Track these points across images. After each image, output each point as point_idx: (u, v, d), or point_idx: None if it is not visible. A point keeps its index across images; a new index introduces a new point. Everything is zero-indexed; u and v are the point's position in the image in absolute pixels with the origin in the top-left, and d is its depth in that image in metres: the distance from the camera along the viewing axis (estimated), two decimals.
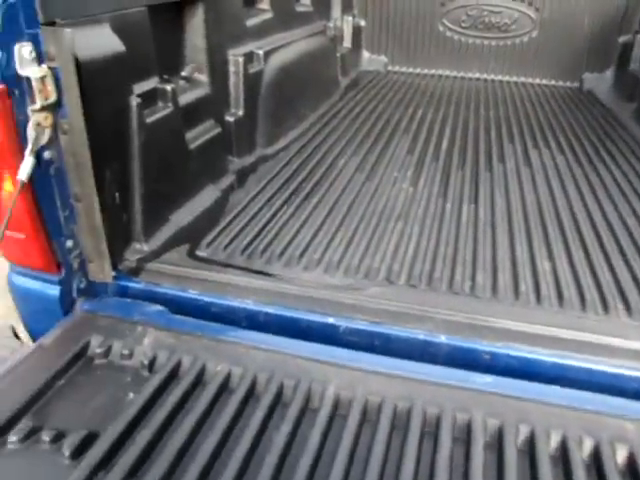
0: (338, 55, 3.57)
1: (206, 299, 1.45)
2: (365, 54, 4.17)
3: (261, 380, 1.17)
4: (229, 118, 2.10)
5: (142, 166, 1.54)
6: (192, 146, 1.81)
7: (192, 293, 1.46)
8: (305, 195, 2.02)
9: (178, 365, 1.22)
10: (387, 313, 1.36)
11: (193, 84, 1.94)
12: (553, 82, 4.01)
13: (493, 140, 2.64)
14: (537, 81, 4.03)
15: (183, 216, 1.73)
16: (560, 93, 3.78)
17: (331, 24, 3.44)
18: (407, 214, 1.88)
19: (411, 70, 4.15)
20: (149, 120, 1.56)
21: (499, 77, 4.08)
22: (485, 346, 1.27)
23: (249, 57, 2.23)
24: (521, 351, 1.25)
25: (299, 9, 2.93)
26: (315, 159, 2.35)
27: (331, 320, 1.36)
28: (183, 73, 1.94)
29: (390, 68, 4.17)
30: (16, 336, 1.69)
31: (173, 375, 1.20)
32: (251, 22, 2.33)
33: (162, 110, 1.64)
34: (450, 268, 1.58)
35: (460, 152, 2.47)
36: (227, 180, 2.02)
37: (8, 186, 1.33)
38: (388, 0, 4.01)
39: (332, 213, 1.89)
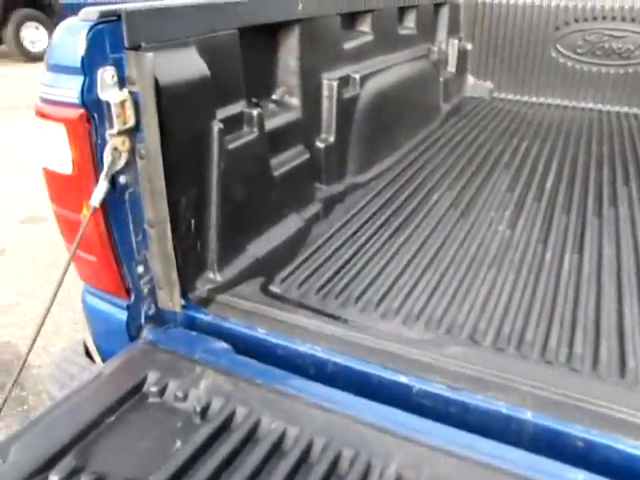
0: (441, 80, 3.43)
1: (273, 340, 1.37)
2: (470, 79, 3.99)
3: (317, 445, 1.06)
4: (319, 144, 2.03)
5: (221, 193, 1.49)
6: (277, 173, 1.75)
7: (260, 332, 1.38)
8: (392, 231, 1.90)
9: (232, 416, 1.13)
10: (467, 378, 1.21)
11: (283, 108, 1.88)
12: None
13: (605, 180, 2.40)
14: None
15: (261, 246, 1.66)
16: None
17: (435, 47, 3.31)
18: (501, 261, 1.71)
19: (518, 98, 3.92)
20: (231, 146, 1.51)
21: (616, 108, 3.77)
22: (579, 431, 1.09)
23: (344, 81, 2.15)
24: (624, 444, 1.06)
25: (402, 32, 2.83)
26: (407, 191, 2.22)
27: (404, 379, 1.23)
28: (274, 96, 1.89)
29: (496, 95, 3.96)
30: (87, 354, 1.68)
31: (225, 426, 1.12)
32: (349, 45, 2.25)
33: (246, 136, 1.59)
34: (544, 330, 1.40)
35: (566, 192, 2.26)
36: (312, 209, 1.94)
37: (86, 210, 1.32)
38: (498, 23, 3.83)
39: (419, 254, 1.75)
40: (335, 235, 1.86)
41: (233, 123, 1.55)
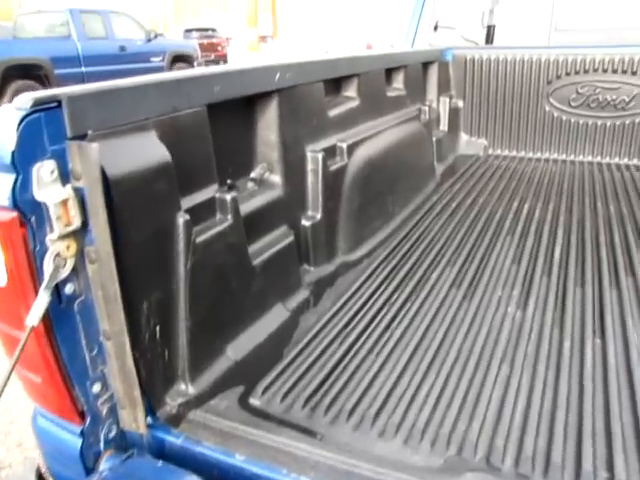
0: (434, 139, 3.30)
1: (254, 469, 1.15)
2: (463, 137, 3.88)
3: None
4: (305, 222, 1.85)
5: (190, 293, 1.29)
6: (257, 261, 1.55)
7: (238, 459, 1.16)
8: (387, 323, 1.68)
9: None
10: None
11: (264, 186, 1.71)
12: None
13: (617, 244, 2.21)
14: None
15: (241, 347, 1.46)
16: None
17: (426, 107, 3.19)
18: (514, 355, 1.50)
19: (514, 154, 3.80)
20: (200, 239, 1.32)
21: (616, 160, 3.64)
22: None
23: (330, 152, 1.99)
24: None
25: (390, 94, 2.70)
26: (403, 270, 2.02)
27: None
28: (252, 174, 1.72)
29: (491, 152, 3.84)
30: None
31: None
32: (334, 112, 2.10)
33: (219, 225, 1.41)
34: (574, 446, 1.18)
35: (577, 262, 2.06)
36: (300, 296, 1.74)
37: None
38: (488, 79, 3.74)
39: (418, 351, 1.54)
40: (324, 329, 1.65)
41: (203, 212, 1.37)
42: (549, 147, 3.75)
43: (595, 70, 3.59)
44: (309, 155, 1.86)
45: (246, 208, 1.55)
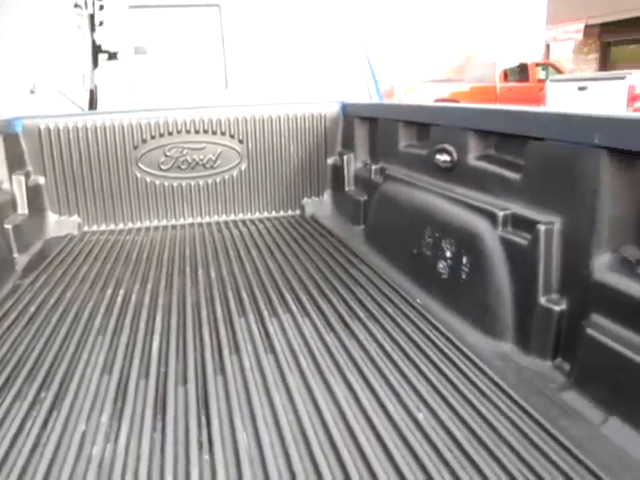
0: (9, 227, 2.79)
1: None
2: (52, 217, 3.45)
3: None
4: None
5: None
6: None
7: None
8: None
9: None
10: None
11: None
12: (274, 213, 3.79)
13: (220, 319, 2.07)
14: (257, 215, 3.76)
15: None
16: (284, 225, 3.52)
17: None
18: None
19: (112, 227, 3.54)
20: None
21: (215, 218, 3.71)
22: None
23: None
24: None
25: None
26: None
27: None
28: None
29: (86, 229, 3.50)
30: None
31: None
32: None
33: None
34: None
35: (178, 352, 1.84)
36: None
37: None
38: (70, 150, 3.41)
39: None
40: None
41: None
42: (147, 215, 3.60)
43: (179, 132, 3.61)
44: None
45: None
